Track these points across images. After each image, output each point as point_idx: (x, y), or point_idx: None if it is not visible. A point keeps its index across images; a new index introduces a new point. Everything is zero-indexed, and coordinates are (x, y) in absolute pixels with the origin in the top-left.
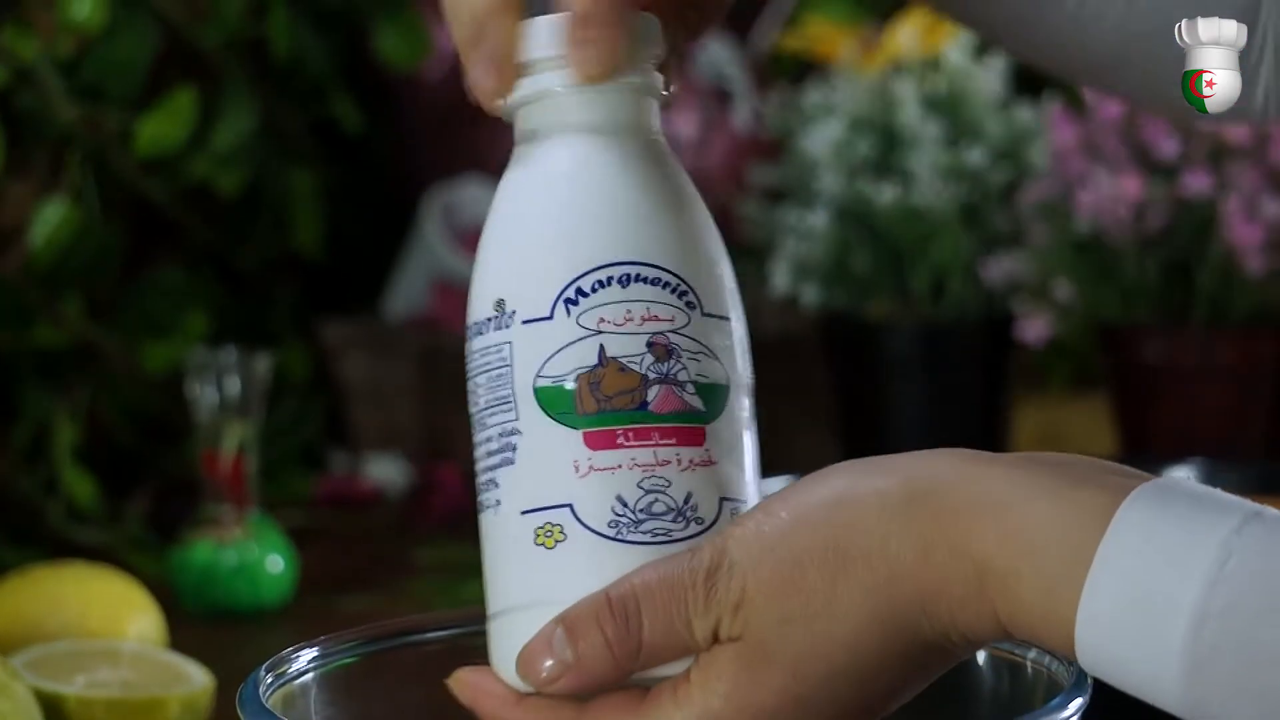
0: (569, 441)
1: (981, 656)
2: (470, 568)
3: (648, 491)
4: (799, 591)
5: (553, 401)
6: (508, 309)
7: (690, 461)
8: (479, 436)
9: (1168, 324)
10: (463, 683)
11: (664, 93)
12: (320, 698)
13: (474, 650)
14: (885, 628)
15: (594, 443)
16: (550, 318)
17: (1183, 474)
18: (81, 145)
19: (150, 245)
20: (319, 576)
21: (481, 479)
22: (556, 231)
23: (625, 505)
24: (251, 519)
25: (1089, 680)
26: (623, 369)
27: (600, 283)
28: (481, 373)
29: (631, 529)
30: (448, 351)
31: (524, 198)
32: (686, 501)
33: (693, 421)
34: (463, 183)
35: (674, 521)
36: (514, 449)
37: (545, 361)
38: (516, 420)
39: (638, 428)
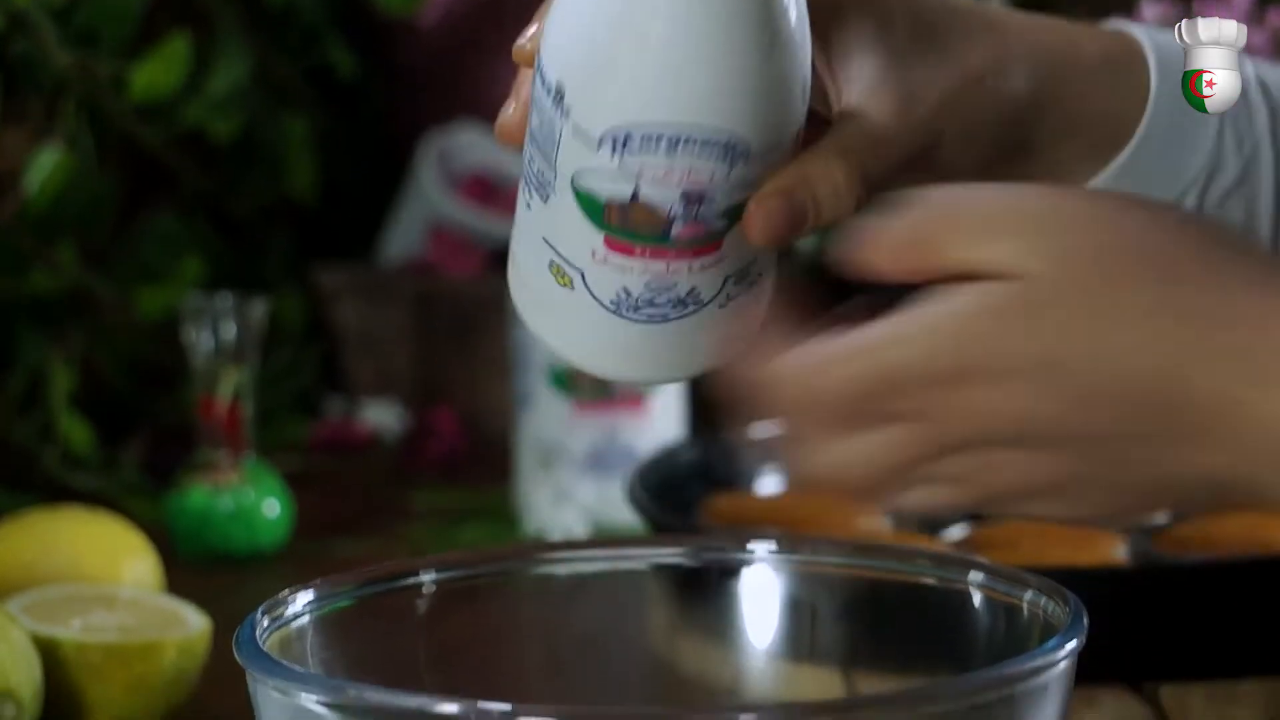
0: (591, 232)
1: (977, 598)
2: (465, 512)
3: (652, 289)
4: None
5: (584, 201)
6: (565, 100)
7: (701, 265)
8: (527, 148)
9: None
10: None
11: None
12: (317, 641)
13: (470, 592)
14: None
15: (612, 245)
16: (597, 143)
17: None
18: (76, 92)
19: (145, 192)
20: (315, 521)
21: (526, 170)
22: (625, 56)
23: (629, 294)
24: (247, 464)
25: (1084, 621)
26: (652, 209)
27: (649, 139)
28: (537, 114)
29: (630, 310)
30: (443, 297)
31: None
32: (689, 293)
33: (712, 240)
34: (458, 128)
35: (673, 308)
36: (549, 194)
37: (584, 171)
38: (553, 184)
39: (655, 248)
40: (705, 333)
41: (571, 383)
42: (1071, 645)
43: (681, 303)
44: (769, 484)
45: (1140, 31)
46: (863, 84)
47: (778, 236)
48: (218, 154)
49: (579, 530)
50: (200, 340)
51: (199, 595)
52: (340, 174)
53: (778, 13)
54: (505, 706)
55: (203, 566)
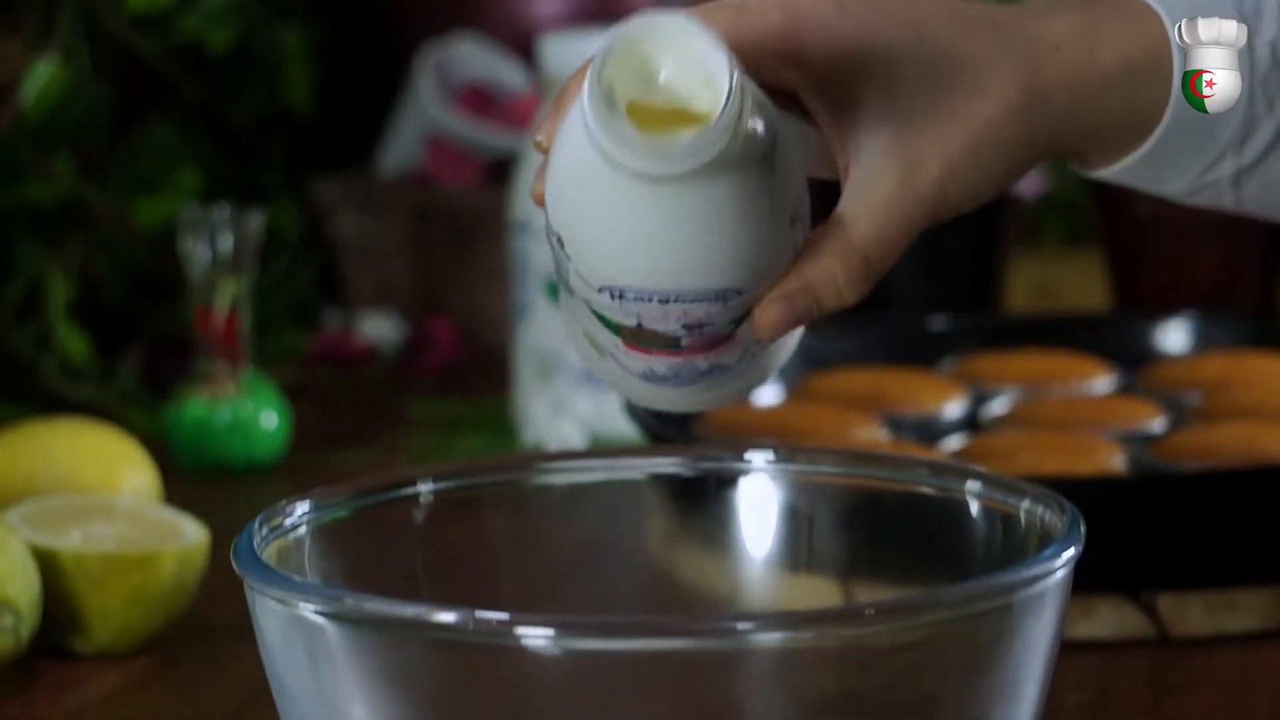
0: (610, 334)
1: (974, 507)
2: (463, 423)
3: (675, 370)
4: None
5: (598, 315)
6: (566, 249)
7: (717, 354)
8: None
9: None
10: None
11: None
12: (315, 551)
13: (468, 502)
14: None
15: (630, 347)
16: (597, 289)
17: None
18: (72, 2)
19: (141, 102)
20: (313, 432)
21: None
22: (609, 232)
23: (655, 373)
24: (245, 375)
25: (1081, 530)
26: (658, 334)
27: (641, 296)
28: (547, 240)
29: (660, 381)
30: (440, 208)
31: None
32: (712, 368)
33: (723, 339)
34: (456, 39)
35: (700, 377)
36: (570, 295)
37: (592, 300)
38: (571, 293)
39: (670, 351)
40: (741, 379)
41: None
42: (1068, 554)
43: (707, 374)
44: (766, 395)
45: (1163, 8)
46: (868, 160)
47: (783, 333)
48: (214, 65)
49: (577, 441)
50: (197, 251)
51: (197, 506)
52: (337, 85)
53: (754, 182)
54: (503, 615)
55: (200, 478)
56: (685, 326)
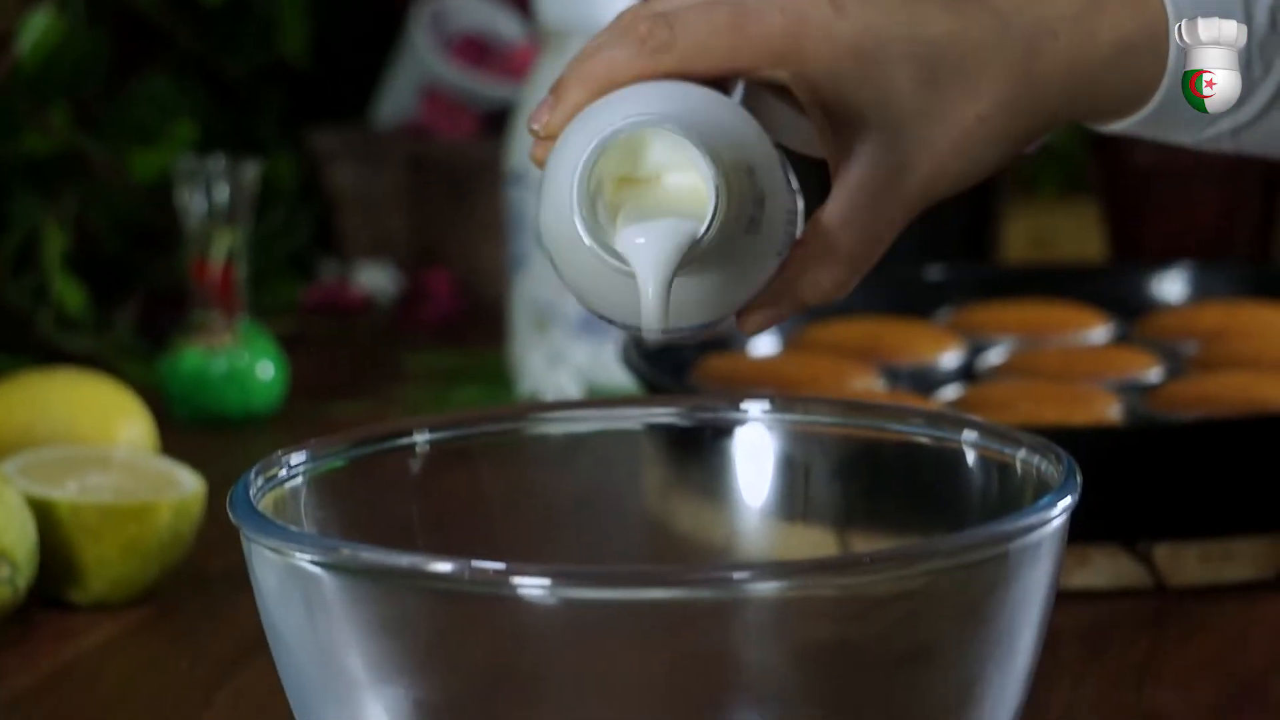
0: None
1: (971, 456)
2: (459, 374)
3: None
4: None
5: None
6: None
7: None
8: None
9: None
10: None
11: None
12: (311, 501)
13: (464, 452)
14: None
15: None
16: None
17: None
18: None
19: (137, 53)
20: (309, 383)
21: None
22: (596, 289)
23: None
24: (241, 326)
25: (1077, 479)
26: None
27: (627, 324)
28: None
29: None
30: (437, 159)
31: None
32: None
33: None
34: None
35: None
36: None
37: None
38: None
39: None
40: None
41: None
42: (1065, 503)
43: None
44: (763, 345)
45: None
46: (857, 162)
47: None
48: (210, 15)
49: (573, 392)
50: (193, 202)
51: (193, 457)
52: (333, 36)
53: (738, 250)
54: (499, 565)
55: (197, 429)
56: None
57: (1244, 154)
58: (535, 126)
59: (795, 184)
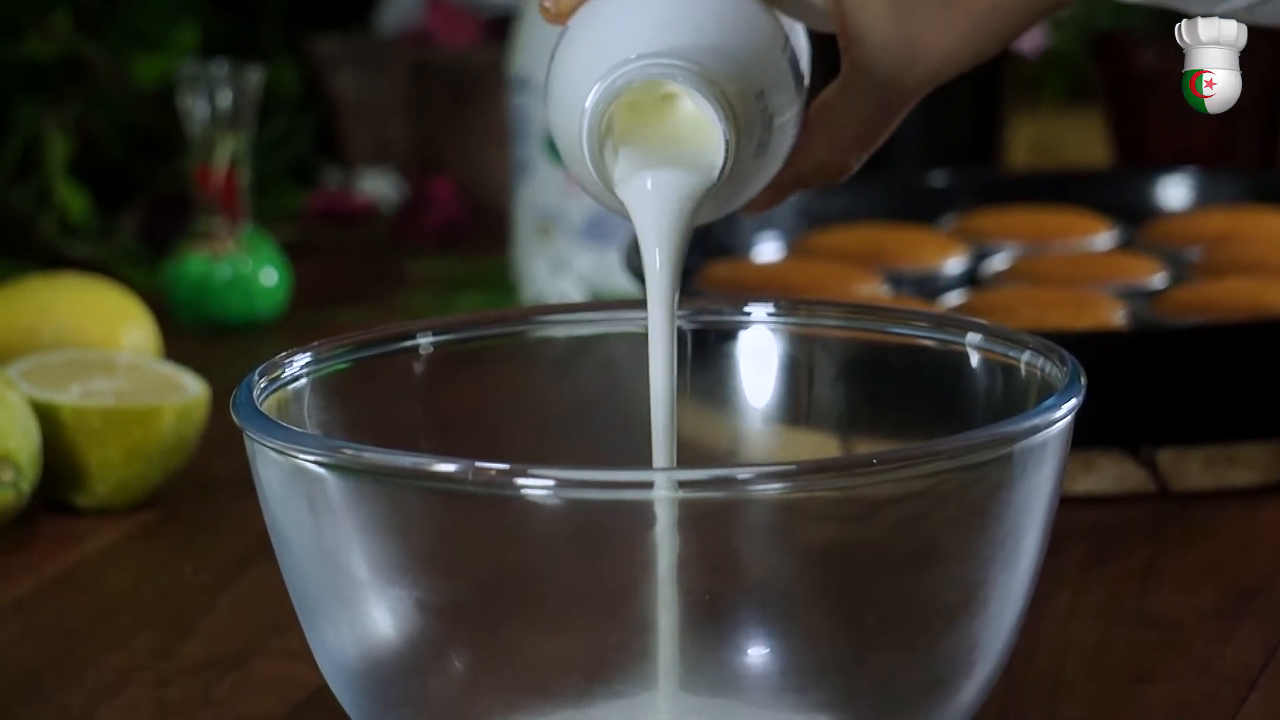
0: None
1: (975, 359)
2: (463, 281)
3: None
4: None
5: None
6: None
7: None
8: None
9: (1163, 33)
10: None
11: None
12: (314, 403)
13: (468, 355)
14: None
15: None
16: None
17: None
18: None
19: None
20: (312, 290)
21: None
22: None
23: None
24: (244, 232)
25: (1082, 382)
26: None
27: None
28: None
29: None
30: (440, 66)
31: None
32: None
33: None
34: None
35: None
36: None
37: None
38: None
39: None
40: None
41: None
42: (1069, 405)
43: None
44: (767, 251)
45: None
46: (868, 47)
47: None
48: None
49: (577, 298)
50: (196, 107)
51: (196, 363)
52: None
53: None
54: (502, 465)
55: (200, 334)
56: None
57: (1257, 25)
58: (548, 5)
59: (805, 73)
